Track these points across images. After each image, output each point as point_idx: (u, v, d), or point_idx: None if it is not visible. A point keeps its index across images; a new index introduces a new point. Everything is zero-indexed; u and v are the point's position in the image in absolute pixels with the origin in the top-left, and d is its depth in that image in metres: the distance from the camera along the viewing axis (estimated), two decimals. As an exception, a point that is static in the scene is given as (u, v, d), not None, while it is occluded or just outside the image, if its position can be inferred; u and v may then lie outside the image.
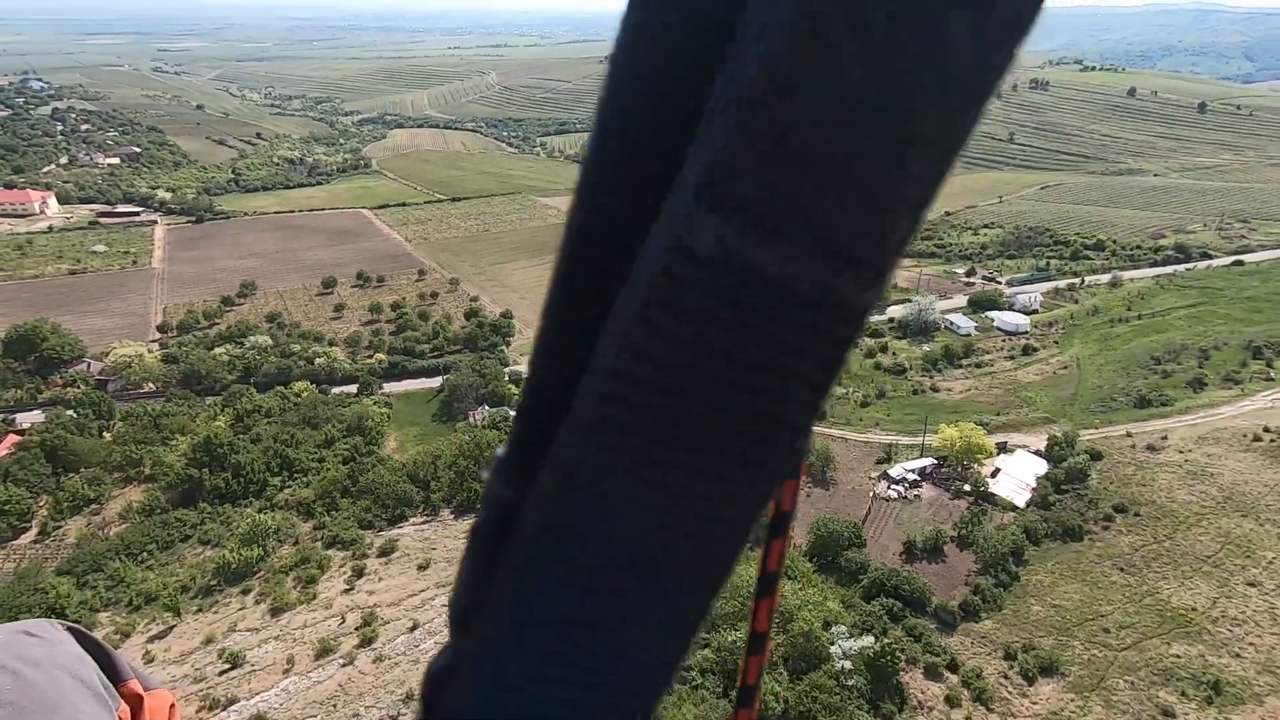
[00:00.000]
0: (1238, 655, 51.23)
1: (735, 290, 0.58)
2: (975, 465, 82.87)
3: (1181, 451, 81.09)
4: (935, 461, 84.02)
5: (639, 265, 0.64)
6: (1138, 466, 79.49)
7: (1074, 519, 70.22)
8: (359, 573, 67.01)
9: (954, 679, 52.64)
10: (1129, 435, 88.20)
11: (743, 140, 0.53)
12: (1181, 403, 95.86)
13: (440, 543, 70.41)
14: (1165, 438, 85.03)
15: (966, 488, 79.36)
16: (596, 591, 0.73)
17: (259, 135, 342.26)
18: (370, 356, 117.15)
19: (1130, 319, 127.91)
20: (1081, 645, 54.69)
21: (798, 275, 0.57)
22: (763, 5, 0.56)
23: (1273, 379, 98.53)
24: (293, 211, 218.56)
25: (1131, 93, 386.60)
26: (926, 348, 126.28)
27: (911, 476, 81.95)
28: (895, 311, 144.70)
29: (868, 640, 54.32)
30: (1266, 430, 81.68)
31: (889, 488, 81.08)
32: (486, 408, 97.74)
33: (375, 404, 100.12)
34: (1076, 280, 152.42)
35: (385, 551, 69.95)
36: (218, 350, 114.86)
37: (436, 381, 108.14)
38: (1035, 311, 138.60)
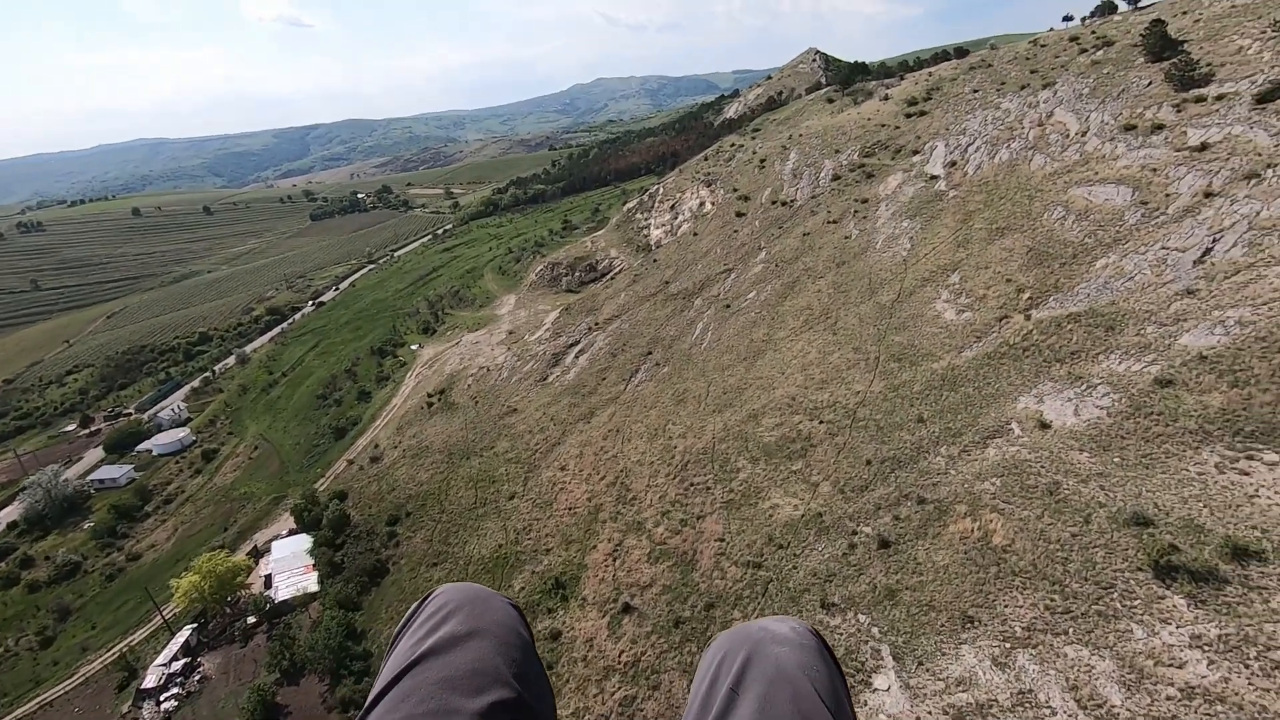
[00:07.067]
0: (548, 550, 57.31)
1: None
2: (244, 591, 66.10)
3: (395, 447, 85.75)
4: (194, 625, 62.58)
5: None
6: (376, 478, 79.72)
7: (369, 559, 64.16)
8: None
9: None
10: (351, 462, 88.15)
11: None
12: (365, 412, 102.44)
13: None
14: (377, 445, 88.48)
15: (251, 619, 62.28)
16: None
17: None
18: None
19: (279, 380, 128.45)
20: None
21: None
22: None
23: (404, 362, 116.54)
24: None
25: (136, 212, 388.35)
26: (89, 523, 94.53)
27: (176, 665, 58.45)
28: (10, 514, 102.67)
29: None
30: (429, 395, 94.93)
31: (160, 702, 55.56)
32: None
33: None
34: (208, 374, 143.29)
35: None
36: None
37: None
38: (189, 420, 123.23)
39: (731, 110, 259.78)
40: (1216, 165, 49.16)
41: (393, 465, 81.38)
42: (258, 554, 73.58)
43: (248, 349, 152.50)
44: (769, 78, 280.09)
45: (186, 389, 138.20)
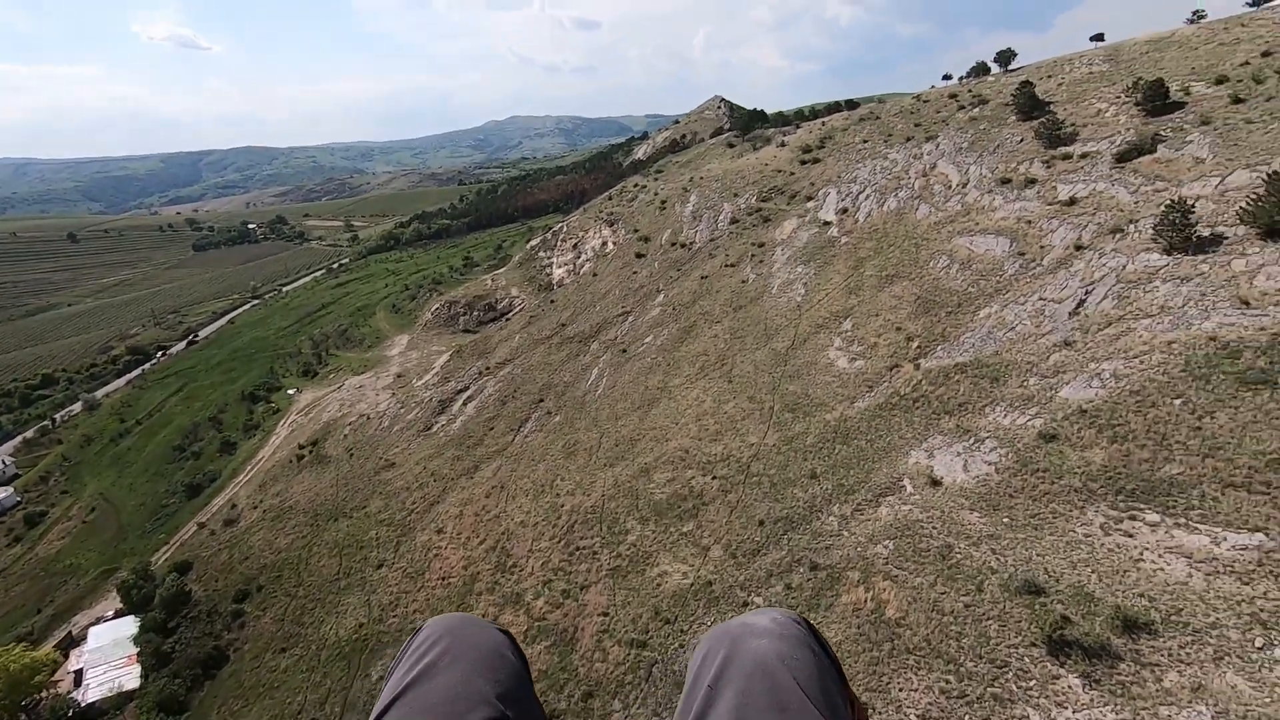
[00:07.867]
0: (414, 630, 50.77)
1: None
2: (46, 691, 55.19)
3: (255, 507, 76.30)
4: (-28, 740, 51.33)
5: None
6: (229, 545, 70.15)
7: (204, 646, 55.10)
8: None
9: None
10: (202, 526, 77.68)
11: None
12: (227, 466, 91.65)
13: None
14: (235, 505, 78.57)
15: (49, 729, 51.72)
16: None
17: None
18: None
19: (131, 429, 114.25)
20: (302, 762, 42.65)
21: None
22: None
23: (278, 408, 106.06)
24: None
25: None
26: None
27: (-57, 795, 47.31)
28: None
29: None
30: (300, 447, 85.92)
31: None
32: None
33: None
34: (47, 423, 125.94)
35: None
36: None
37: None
38: (16, 476, 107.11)
39: (641, 152, 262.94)
40: (1085, 219, 50.60)
41: (249, 529, 72.01)
42: (71, 643, 62.37)
43: (99, 393, 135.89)
44: (677, 121, 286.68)
45: (18, 440, 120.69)
